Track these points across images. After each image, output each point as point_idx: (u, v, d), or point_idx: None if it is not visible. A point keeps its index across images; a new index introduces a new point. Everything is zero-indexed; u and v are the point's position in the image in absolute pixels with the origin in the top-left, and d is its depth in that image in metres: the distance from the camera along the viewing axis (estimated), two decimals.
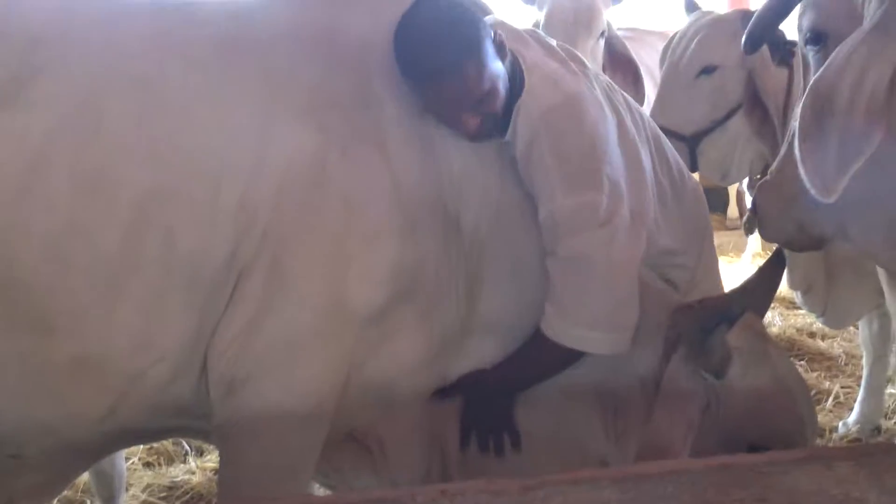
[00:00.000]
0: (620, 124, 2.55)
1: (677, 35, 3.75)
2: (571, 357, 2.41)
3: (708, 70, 3.57)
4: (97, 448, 2.47)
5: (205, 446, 3.84)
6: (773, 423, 2.32)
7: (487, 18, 2.45)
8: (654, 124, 2.80)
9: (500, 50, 2.36)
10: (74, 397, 2.22)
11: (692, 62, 3.62)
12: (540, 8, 4.94)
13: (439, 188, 2.40)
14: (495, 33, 2.37)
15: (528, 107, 2.38)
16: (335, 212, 2.27)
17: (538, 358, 2.45)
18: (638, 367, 2.45)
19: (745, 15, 3.54)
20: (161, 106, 2.21)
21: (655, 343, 2.44)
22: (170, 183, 2.17)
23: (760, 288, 2.52)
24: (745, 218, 3.73)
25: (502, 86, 2.35)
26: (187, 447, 3.90)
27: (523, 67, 2.42)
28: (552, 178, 2.34)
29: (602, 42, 4.77)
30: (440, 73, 2.28)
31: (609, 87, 2.68)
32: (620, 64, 4.74)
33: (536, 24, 4.90)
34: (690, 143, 3.54)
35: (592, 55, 4.79)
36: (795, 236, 2.32)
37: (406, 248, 2.33)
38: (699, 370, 2.35)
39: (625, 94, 2.75)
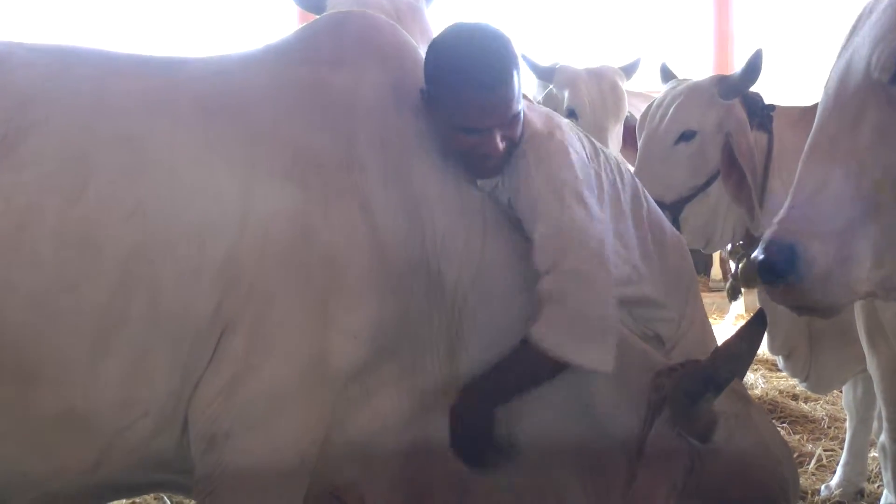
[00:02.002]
0: (597, 175, 2.59)
1: (654, 103, 3.76)
2: (554, 369, 2.38)
3: (686, 136, 3.58)
4: (80, 501, 2.45)
5: (186, 501, 3.81)
6: (756, 485, 2.32)
7: None
8: (636, 181, 2.82)
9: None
10: (59, 450, 2.23)
11: (670, 129, 3.62)
12: (559, 88, 5.03)
13: (423, 247, 2.43)
14: None
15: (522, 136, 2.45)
16: (317, 269, 2.29)
17: (520, 366, 2.42)
18: (620, 428, 2.44)
19: (722, 79, 3.61)
20: (147, 164, 2.24)
21: (638, 406, 2.43)
22: (155, 240, 2.20)
23: (741, 349, 2.54)
24: (727, 285, 3.75)
25: (521, 117, 2.43)
26: (167, 502, 3.87)
27: None
28: (543, 194, 2.39)
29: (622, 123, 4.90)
30: (492, 83, 2.35)
31: (586, 138, 2.72)
32: (632, 137, 4.80)
33: (546, 103, 4.97)
34: (673, 211, 3.51)
35: (617, 137, 4.88)
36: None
37: (388, 306, 2.35)
38: (683, 434, 2.35)
39: (604, 149, 2.78)
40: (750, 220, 3.44)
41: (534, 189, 2.40)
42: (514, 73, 2.37)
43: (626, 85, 5.16)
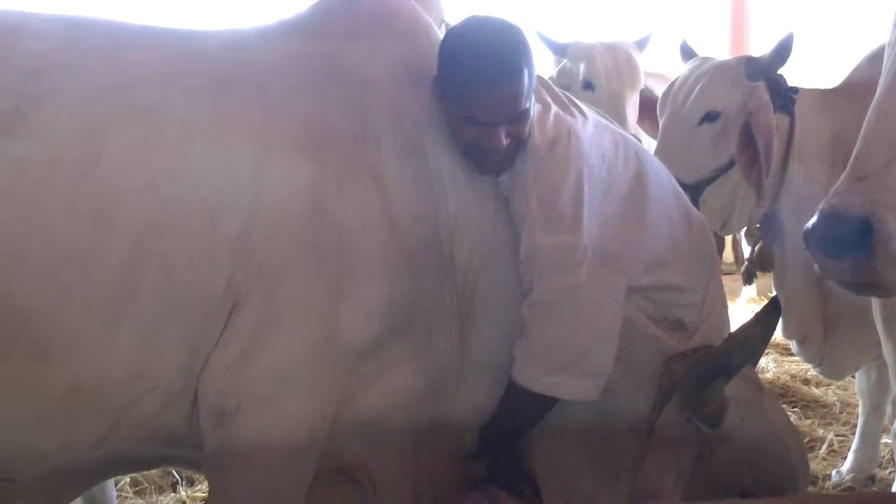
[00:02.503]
0: (619, 163, 2.56)
1: (677, 81, 3.70)
2: (546, 403, 2.39)
3: (710, 117, 3.52)
4: (90, 475, 2.47)
5: (195, 476, 3.82)
6: (765, 472, 2.32)
7: None
8: (660, 165, 2.79)
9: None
10: (68, 424, 2.23)
11: (694, 109, 3.56)
12: (573, 61, 5.01)
13: (435, 226, 2.42)
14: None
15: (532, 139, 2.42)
16: (330, 246, 2.28)
17: (513, 406, 2.44)
18: (630, 412, 2.44)
19: (749, 60, 3.55)
20: (161, 137, 2.23)
21: (648, 389, 2.43)
22: (168, 214, 2.19)
23: (755, 335, 2.52)
24: (742, 268, 3.71)
25: (531, 114, 2.40)
26: (177, 476, 3.88)
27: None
28: (534, 213, 2.36)
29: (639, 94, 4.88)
30: (502, 76, 2.32)
31: (606, 129, 2.68)
32: (648, 110, 4.77)
33: (560, 79, 4.97)
34: (692, 192, 3.44)
35: (634, 107, 4.85)
36: None
37: (400, 284, 2.34)
38: (693, 419, 2.34)
39: (626, 136, 2.74)
40: (755, 199, 3.43)
41: (525, 205, 2.38)
42: (524, 70, 2.34)
43: (642, 63, 5.13)
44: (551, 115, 2.49)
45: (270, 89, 2.36)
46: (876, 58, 3.67)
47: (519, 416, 2.46)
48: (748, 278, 3.73)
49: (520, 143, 2.40)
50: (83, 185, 2.14)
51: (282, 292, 2.25)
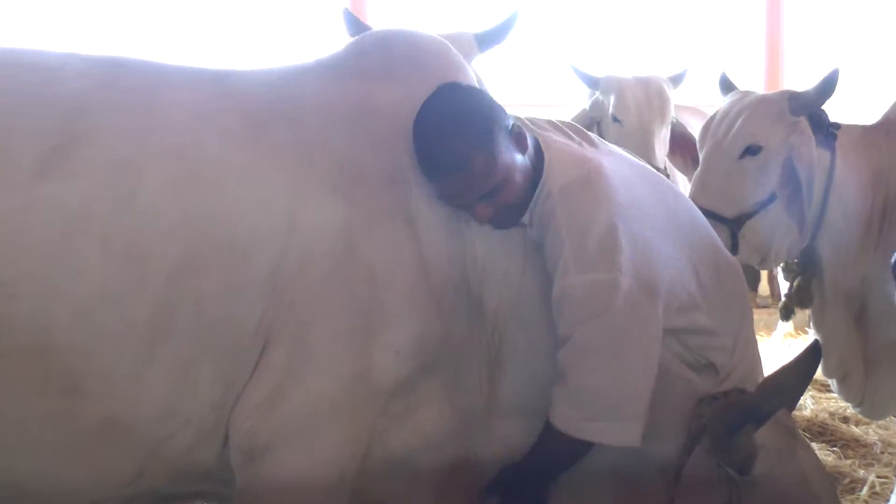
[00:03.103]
0: (649, 201, 2.53)
1: (718, 114, 3.66)
2: (583, 448, 2.35)
3: (752, 150, 3.47)
4: None
5: None
6: None
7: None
8: (690, 204, 2.76)
9: (518, 140, 2.40)
10: (102, 460, 2.25)
11: (736, 142, 3.50)
12: (605, 94, 5.01)
13: (463, 269, 2.42)
14: (512, 125, 2.40)
15: (546, 184, 2.40)
16: (361, 284, 2.30)
17: (548, 450, 2.39)
18: (659, 455, 2.40)
19: (793, 95, 3.51)
20: (195, 176, 2.26)
21: (678, 432, 2.40)
22: (201, 252, 2.22)
23: (793, 379, 2.47)
24: (780, 304, 3.66)
25: (519, 176, 2.39)
26: None
27: (544, 149, 2.45)
28: (567, 254, 2.32)
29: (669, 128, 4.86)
30: (447, 167, 2.33)
31: (640, 166, 2.67)
32: (680, 145, 4.74)
33: (593, 112, 4.97)
34: (732, 226, 3.44)
35: (664, 142, 4.82)
36: None
37: (431, 323, 2.35)
38: (722, 464, 2.30)
39: (665, 174, 2.72)
40: (798, 233, 3.39)
41: (558, 247, 2.35)
42: (482, 150, 2.32)
43: (675, 97, 5.10)
44: (575, 153, 2.49)
45: (304, 128, 2.38)
46: None
47: (553, 459, 2.42)
48: (786, 315, 3.69)
49: (514, 203, 2.40)
50: (118, 223, 2.17)
51: (313, 330, 2.26)
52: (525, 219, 2.45)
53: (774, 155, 3.44)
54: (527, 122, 2.57)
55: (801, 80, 3.59)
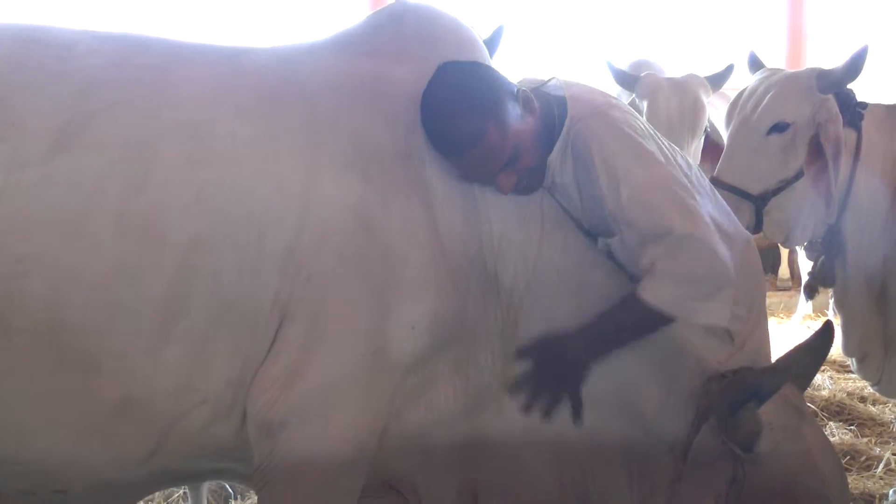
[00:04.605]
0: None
1: (746, 91, 3.63)
2: (658, 323, 2.32)
3: (780, 127, 3.44)
4: (140, 487, 2.50)
5: (248, 492, 3.85)
6: (798, 499, 2.29)
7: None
8: (706, 179, 2.77)
9: (527, 104, 2.40)
10: (119, 437, 2.26)
11: (763, 119, 3.48)
12: (640, 97, 4.91)
13: (479, 246, 2.42)
14: (519, 89, 2.41)
15: (573, 115, 2.42)
16: (376, 261, 2.30)
17: (622, 320, 2.36)
18: (668, 432, 2.42)
19: (821, 73, 3.48)
20: (209, 153, 2.26)
21: (687, 410, 2.41)
22: (216, 229, 2.22)
23: (806, 360, 2.48)
24: (804, 283, 3.65)
25: (533, 138, 2.40)
26: (230, 490, 3.91)
27: (564, 90, 2.46)
28: (625, 158, 2.33)
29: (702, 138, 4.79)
30: (461, 146, 2.33)
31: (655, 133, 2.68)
32: (711, 154, 4.68)
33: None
34: (757, 203, 3.43)
35: (695, 153, 4.78)
36: None
37: (446, 299, 2.35)
38: (727, 441, 2.32)
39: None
40: (825, 210, 3.37)
41: (609, 156, 2.34)
42: (493, 120, 2.33)
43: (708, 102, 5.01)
44: (595, 90, 2.52)
45: (318, 106, 2.38)
46: None
47: (622, 332, 2.38)
48: (810, 293, 3.66)
49: (534, 166, 2.41)
50: (133, 200, 2.18)
51: (329, 306, 2.26)
52: (546, 181, 2.46)
53: (801, 132, 3.42)
54: (543, 80, 2.58)
55: (824, 60, 3.55)
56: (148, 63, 2.38)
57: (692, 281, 2.29)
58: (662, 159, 2.38)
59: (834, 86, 3.44)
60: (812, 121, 3.41)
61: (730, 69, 4.96)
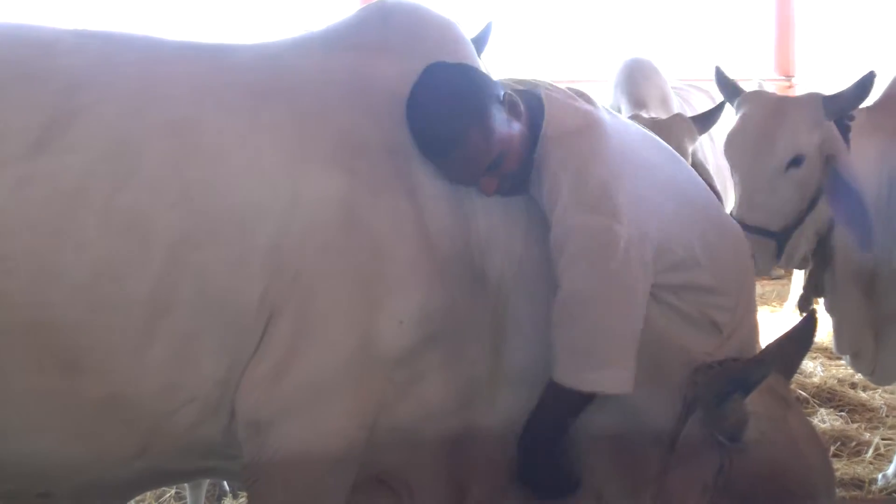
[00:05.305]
0: (650, 161, 2.56)
1: (747, 125, 3.52)
2: (581, 401, 2.35)
3: (797, 161, 3.37)
4: (127, 487, 2.50)
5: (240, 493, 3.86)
6: (783, 490, 2.30)
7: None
8: (692, 170, 2.76)
9: (512, 108, 2.41)
10: (104, 437, 2.25)
11: (780, 155, 3.39)
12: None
13: (466, 240, 2.42)
14: (504, 94, 2.40)
15: (546, 133, 2.41)
16: (364, 255, 2.30)
17: (551, 405, 2.40)
18: (655, 423, 2.42)
19: (828, 99, 3.43)
20: (195, 150, 2.26)
21: (674, 402, 2.42)
22: (202, 226, 2.22)
23: (791, 349, 2.50)
24: (799, 298, 3.62)
25: (517, 143, 2.40)
26: (225, 487, 3.92)
27: (544, 103, 2.45)
28: (566, 196, 2.33)
29: None
30: (446, 148, 2.34)
31: (637, 129, 2.69)
32: None
33: None
34: (779, 238, 3.40)
35: None
36: None
37: (434, 293, 2.35)
38: (714, 432, 2.34)
39: (661, 141, 2.74)
40: (862, 248, 3.32)
41: (557, 191, 2.36)
42: (478, 124, 2.33)
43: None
44: (576, 106, 2.50)
45: (303, 101, 2.38)
46: None
47: (555, 415, 2.41)
48: (805, 305, 3.62)
49: (517, 171, 2.41)
50: (117, 198, 2.18)
51: (316, 301, 2.26)
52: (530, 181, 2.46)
53: (812, 162, 3.38)
54: (531, 81, 2.57)
55: (811, 55, 3.52)
56: (131, 61, 2.38)
57: (585, 352, 2.29)
58: (605, 206, 2.33)
59: (843, 112, 3.41)
60: (820, 148, 3.37)
61: (720, 108, 4.56)
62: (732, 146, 3.57)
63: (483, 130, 2.34)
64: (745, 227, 3.22)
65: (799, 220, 3.43)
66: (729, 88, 3.76)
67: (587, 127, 2.43)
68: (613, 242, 2.29)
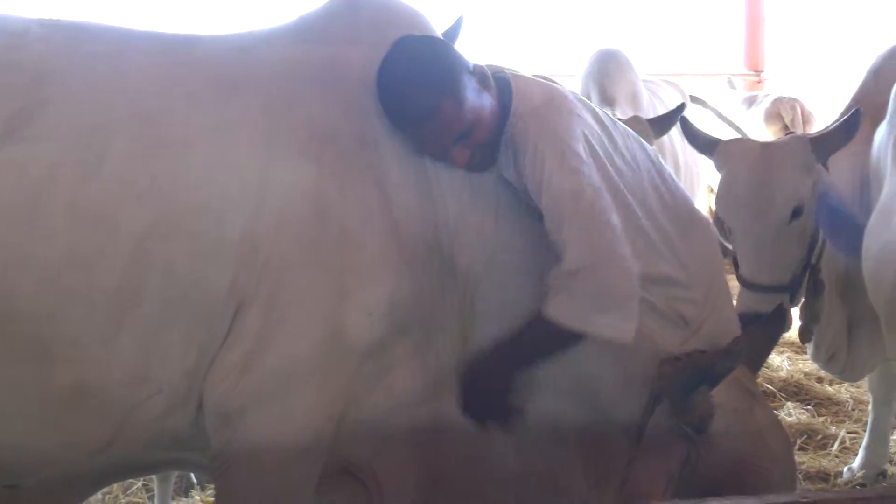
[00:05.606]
0: (612, 144, 2.55)
1: (737, 180, 3.42)
2: (566, 344, 2.35)
3: (798, 212, 3.31)
4: (95, 479, 2.49)
5: (208, 485, 3.84)
6: (747, 482, 2.33)
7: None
8: (660, 162, 2.76)
9: (483, 80, 2.42)
10: (72, 427, 2.24)
11: (782, 209, 3.32)
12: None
13: (435, 229, 2.43)
14: (475, 65, 2.42)
15: (516, 110, 2.42)
16: (332, 246, 2.30)
17: (531, 342, 2.40)
18: (622, 414, 2.44)
19: (815, 142, 3.39)
20: (163, 141, 2.25)
21: (641, 393, 2.43)
22: (170, 217, 2.21)
23: (758, 343, 2.51)
24: (799, 329, 3.54)
25: (488, 114, 2.40)
26: (193, 480, 3.90)
27: (510, 81, 2.47)
28: (552, 162, 2.34)
29: None
30: (418, 116, 2.34)
31: (601, 112, 2.69)
32: None
33: None
34: (793, 289, 3.34)
35: None
36: None
37: (402, 283, 2.35)
38: (680, 423, 2.35)
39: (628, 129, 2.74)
40: (855, 256, 3.19)
41: (539, 158, 2.36)
42: (450, 91, 2.34)
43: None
44: (541, 83, 2.53)
45: (272, 92, 2.38)
46: (879, 71, 3.62)
47: (535, 352, 2.41)
48: (808, 336, 3.58)
49: (488, 141, 2.41)
50: (85, 188, 2.17)
51: (285, 292, 2.26)
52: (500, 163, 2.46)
53: (811, 206, 3.34)
54: (496, 66, 2.58)
55: (780, 50, 3.50)
56: (99, 51, 2.36)
57: (590, 295, 2.30)
58: (585, 169, 2.36)
59: (830, 153, 3.37)
60: (814, 192, 3.33)
61: (679, 110, 4.46)
62: (727, 206, 3.46)
63: (454, 99, 2.34)
64: (759, 287, 3.24)
65: (806, 265, 3.39)
66: (700, 140, 3.68)
67: (555, 98, 2.45)
68: (600, 196, 2.33)
